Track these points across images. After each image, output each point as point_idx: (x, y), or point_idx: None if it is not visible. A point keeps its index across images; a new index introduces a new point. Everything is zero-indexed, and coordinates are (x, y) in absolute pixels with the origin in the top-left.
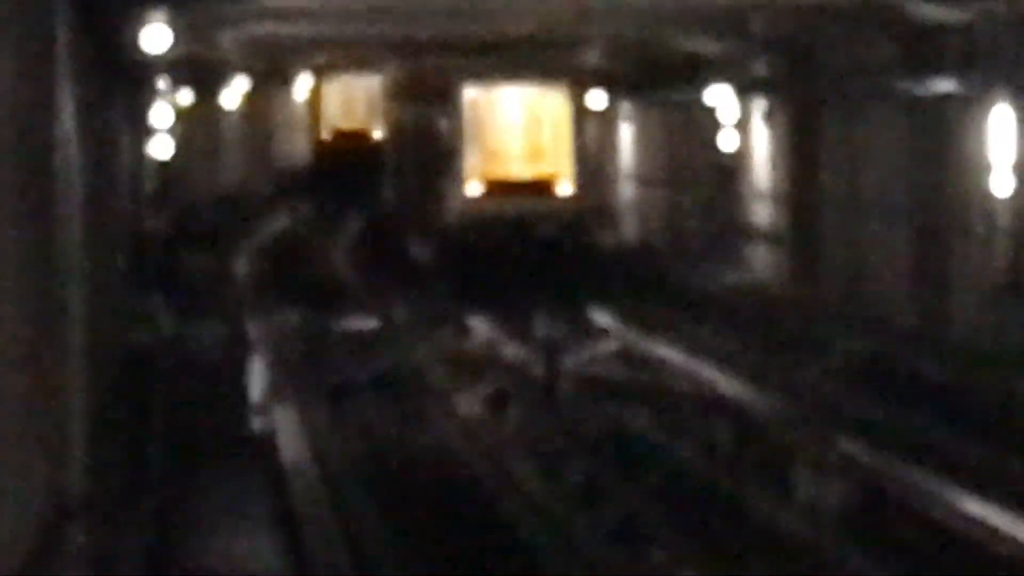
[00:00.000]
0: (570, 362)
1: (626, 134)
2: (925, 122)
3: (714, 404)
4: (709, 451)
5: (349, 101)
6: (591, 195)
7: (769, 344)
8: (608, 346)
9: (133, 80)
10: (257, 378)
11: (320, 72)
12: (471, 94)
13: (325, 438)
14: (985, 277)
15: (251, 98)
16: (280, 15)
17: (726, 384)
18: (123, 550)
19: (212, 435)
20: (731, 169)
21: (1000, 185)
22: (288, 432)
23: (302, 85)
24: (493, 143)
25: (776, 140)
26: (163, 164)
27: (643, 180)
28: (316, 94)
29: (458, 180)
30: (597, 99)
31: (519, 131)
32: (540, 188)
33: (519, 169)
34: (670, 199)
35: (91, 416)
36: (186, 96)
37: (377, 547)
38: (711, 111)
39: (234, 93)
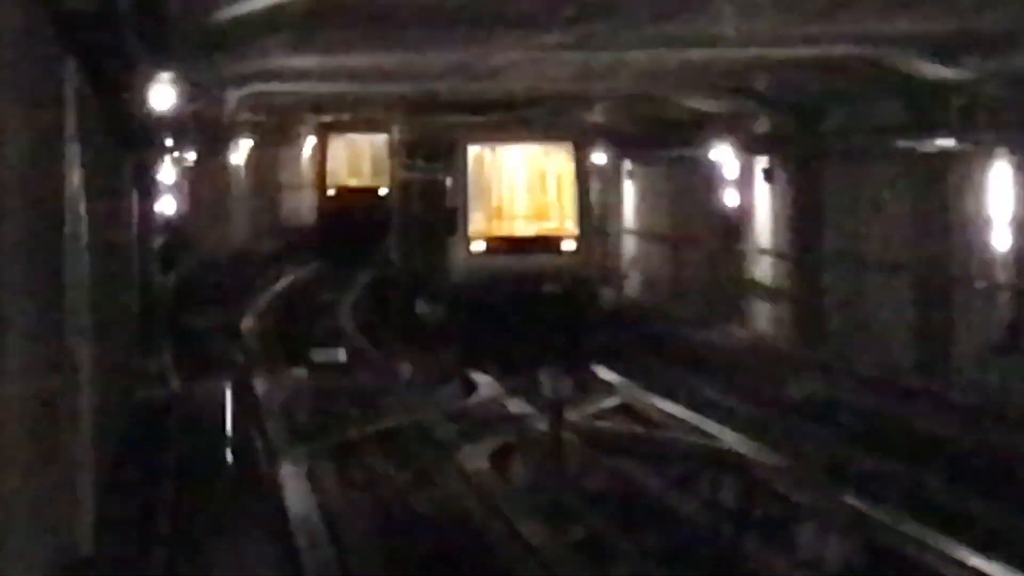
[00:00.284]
0: (575, 417)
1: (630, 191)
2: (927, 178)
3: (718, 460)
4: (713, 507)
5: (355, 159)
6: (595, 252)
7: (772, 400)
8: (612, 401)
9: (140, 138)
10: (264, 434)
11: (326, 130)
12: (475, 152)
13: (331, 493)
14: (986, 332)
15: (257, 156)
16: (286, 74)
17: (730, 440)
18: None
19: (219, 491)
20: (734, 226)
21: (1000, 240)
22: (295, 487)
23: (308, 143)
24: (498, 200)
25: (779, 197)
26: (170, 221)
27: (647, 237)
28: (322, 152)
29: (463, 237)
30: (601, 156)
31: (523, 188)
32: (544, 245)
33: (523, 226)
34: (673, 255)
35: (99, 473)
36: (193, 154)
37: None
38: (714, 168)
39: (240, 151)
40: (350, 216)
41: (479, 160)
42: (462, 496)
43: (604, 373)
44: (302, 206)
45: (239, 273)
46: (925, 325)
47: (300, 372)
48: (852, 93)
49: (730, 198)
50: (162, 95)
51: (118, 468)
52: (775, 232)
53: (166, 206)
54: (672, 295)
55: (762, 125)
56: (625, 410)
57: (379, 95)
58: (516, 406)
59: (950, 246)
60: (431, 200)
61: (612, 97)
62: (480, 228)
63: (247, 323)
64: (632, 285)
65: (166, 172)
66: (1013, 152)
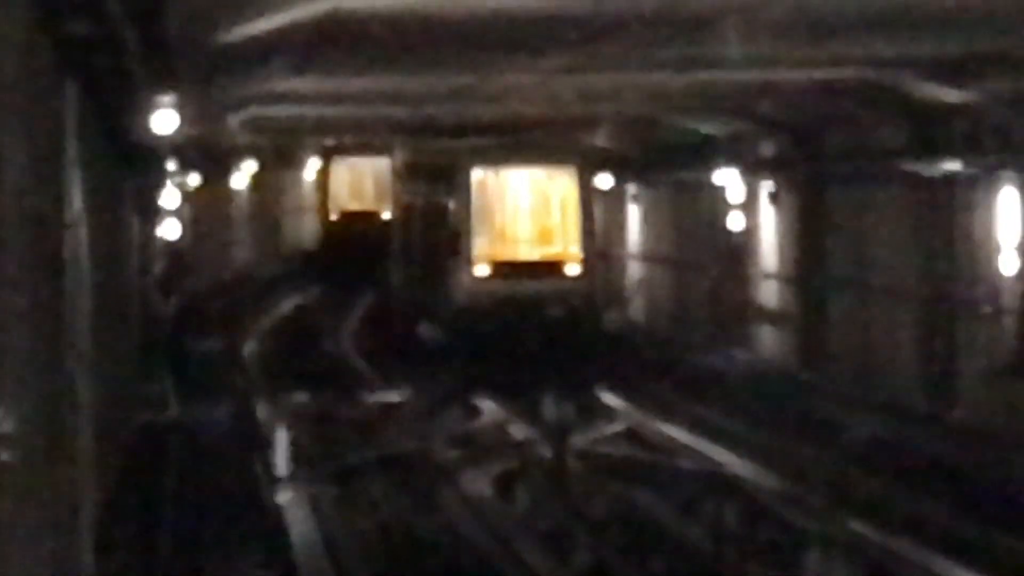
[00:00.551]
0: (578, 442)
1: (633, 215)
2: (931, 202)
3: (722, 485)
4: (717, 532)
5: (358, 182)
6: (599, 276)
7: (776, 424)
8: (616, 426)
9: (142, 163)
10: (266, 459)
11: (329, 153)
12: (479, 175)
13: (334, 518)
14: (992, 357)
15: (259, 179)
16: (288, 97)
17: (734, 465)
18: None
19: (221, 516)
20: (738, 249)
21: (1006, 264)
22: (297, 513)
23: (311, 166)
24: (501, 224)
25: (783, 220)
26: (172, 246)
27: (650, 260)
28: (324, 175)
29: (466, 261)
30: (604, 180)
31: (527, 212)
32: (548, 269)
33: (527, 250)
34: (677, 279)
35: (101, 498)
36: (195, 178)
37: None
38: (718, 191)
39: (243, 175)
40: (353, 240)
41: (482, 184)
42: (465, 522)
43: (607, 398)
44: (304, 230)
45: (241, 297)
46: (930, 348)
47: (302, 397)
48: (857, 116)
49: (735, 221)
50: (163, 119)
51: (119, 493)
52: (780, 255)
53: (167, 230)
54: (676, 319)
55: (767, 148)
56: (629, 435)
57: (382, 118)
58: (519, 431)
59: (956, 269)
60: (434, 224)
61: (616, 120)
62: (483, 252)
63: (249, 348)
64: (636, 309)
65: (167, 196)
66: (1018, 175)
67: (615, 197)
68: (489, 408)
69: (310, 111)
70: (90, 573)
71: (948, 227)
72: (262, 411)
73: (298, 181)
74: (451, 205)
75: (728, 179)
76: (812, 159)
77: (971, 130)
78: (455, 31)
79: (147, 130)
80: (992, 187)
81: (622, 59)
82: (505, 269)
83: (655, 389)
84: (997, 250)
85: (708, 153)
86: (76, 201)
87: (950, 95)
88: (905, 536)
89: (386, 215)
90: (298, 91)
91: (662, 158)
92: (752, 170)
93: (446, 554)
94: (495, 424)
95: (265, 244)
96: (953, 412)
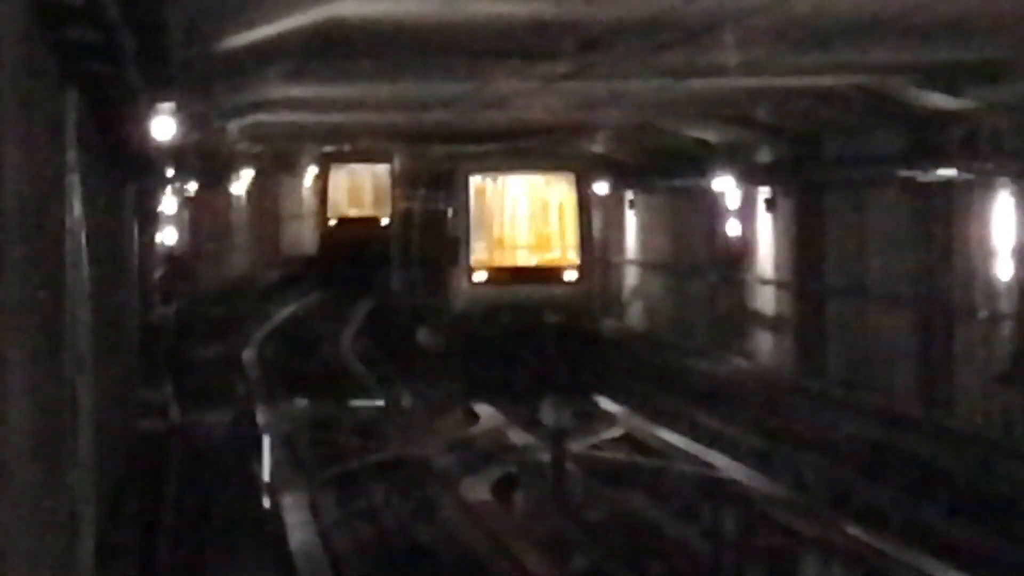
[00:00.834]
0: (577, 448)
1: (631, 221)
2: (929, 208)
3: (719, 490)
4: (714, 537)
5: (356, 188)
6: (597, 282)
7: (774, 430)
8: (614, 432)
9: (141, 169)
10: (265, 465)
11: (327, 160)
12: (477, 182)
13: (333, 524)
14: (989, 362)
15: (258, 186)
16: (287, 104)
17: (731, 470)
18: None
19: (221, 522)
20: (736, 255)
21: (1003, 270)
22: (296, 518)
23: (309, 173)
24: (499, 230)
25: (781, 226)
26: (171, 252)
27: (648, 266)
28: (323, 181)
29: (465, 267)
30: (602, 186)
31: (525, 218)
32: (546, 275)
33: (525, 256)
34: (675, 285)
35: (101, 503)
36: (194, 184)
37: None
38: (716, 197)
39: (242, 181)
40: (351, 246)
41: (481, 190)
42: (464, 527)
43: (606, 403)
44: (303, 236)
45: (240, 303)
46: (927, 355)
47: (301, 403)
48: (853, 123)
49: (732, 228)
50: (163, 126)
51: (119, 499)
52: (777, 261)
53: (167, 236)
54: (674, 325)
55: (763, 155)
56: (627, 440)
57: (380, 125)
58: (518, 436)
59: (953, 275)
60: (432, 230)
61: (614, 127)
62: (482, 258)
63: (248, 354)
64: (634, 315)
65: (167, 202)
66: (1014, 181)
67: (613, 203)
68: (487, 414)
69: (309, 118)
70: None
71: (945, 233)
72: (262, 417)
73: (297, 187)
74: (449, 211)
75: (725, 185)
76: (809, 165)
77: (967, 136)
78: (453, 38)
79: (147, 137)
80: (988, 193)
81: (620, 66)
82: (503, 275)
83: (652, 394)
84: (993, 256)
85: (706, 159)
86: (76, 207)
87: (946, 102)
88: (900, 540)
89: (384, 221)
90: (297, 98)
91: (660, 164)
92: (749, 176)
93: (444, 559)
94: (494, 429)
95: (264, 250)
96: (949, 417)
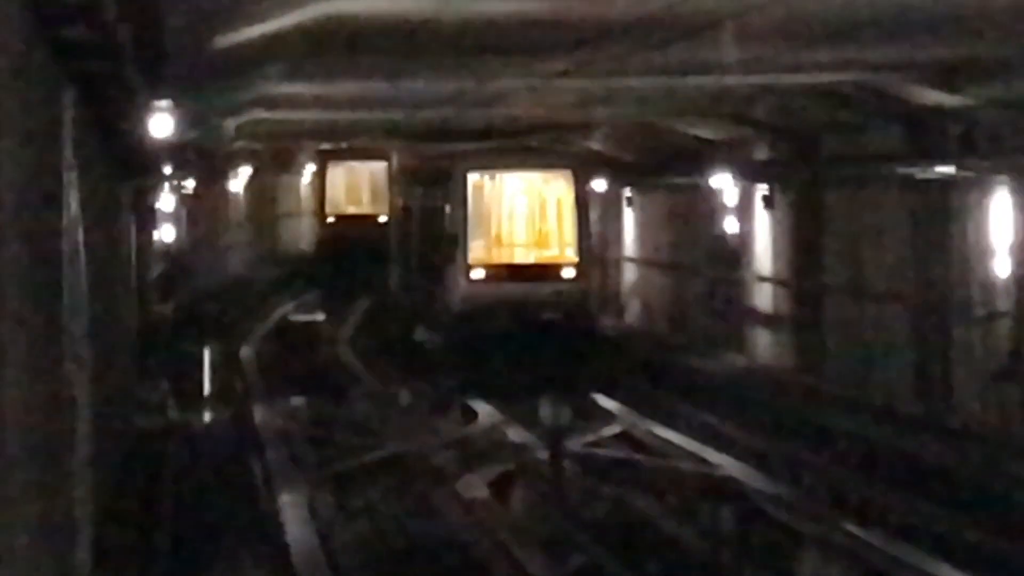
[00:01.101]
0: (574, 445)
1: (629, 218)
2: (927, 205)
3: (718, 488)
4: (713, 535)
5: (354, 186)
6: (595, 279)
7: (772, 428)
8: (612, 429)
9: (139, 166)
10: (263, 463)
11: (325, 157)
12: (475, 179)
13: (331, 522)
14: (987, 359)
15: (256, 183)
16: (284, 101)
17: (730, 468)
18: None
19: (218, 520)
20: (734, 253)
21: (1001, 268)
22: (294, 516)
23: (307, 170)
24: (497, 228)
25: (779, 224)
26: (169, 249)
27: (646, 264)
28: (321, 179)
29: (463, 265)
30: (600, 184)
31: (523, 216)
32: (544, 273)
33: (523, 254)
34: (673, 283)
35: (98, 502)
36: (191, 182)
37: None
38: (714, 195)
39: (239, 179)
40: (349, 244)
41: (479, 188)
42: (462, 525)
43: (604, 401)
44: (301, 234)
45: (238, 301)
46: (924, 352)
47: (299, 401)
48: (851, 120)
49: (730, 225)
50: (160, 123)
51: (117, 496)
52: (775, 259)
53: (164, 234)
54: (672, 323)
55: (761, 152)
56: (625, 438)
57: (378, 122)
58: (516, 434)
59: (951, 272)
60: (430, 227)
61: (612, 124)
62: (480, 256)
63: (246, 352)
64: (632, 312)
65: (164, 200)
66: (1013, 179)
67: (611, 201)
68: (485, 411)
69: (306, 115)
70: (87, 573)
71: (943, 230)
72: (259, 415)
73: (295, 185)
74: (447, 209)
75: (723, 183)
76: (807, 163)
77: (965, 134)
78: (450, 35)
79: (144, 134)
80: (986, 190)
81: (618, 63)
82: (501, 273)
83: (650, 392)
84: (991, 253)
85: (704, 157)
86: (73, 205)
87: (945, 99)
88: (898, 536)
89: (382, 219)
90: (294, 95)
91: (658, 162)
92: (747, 174)
93: (442, 557)
94: (492, 427)
95: (262, 248)
96: (948, 415)
